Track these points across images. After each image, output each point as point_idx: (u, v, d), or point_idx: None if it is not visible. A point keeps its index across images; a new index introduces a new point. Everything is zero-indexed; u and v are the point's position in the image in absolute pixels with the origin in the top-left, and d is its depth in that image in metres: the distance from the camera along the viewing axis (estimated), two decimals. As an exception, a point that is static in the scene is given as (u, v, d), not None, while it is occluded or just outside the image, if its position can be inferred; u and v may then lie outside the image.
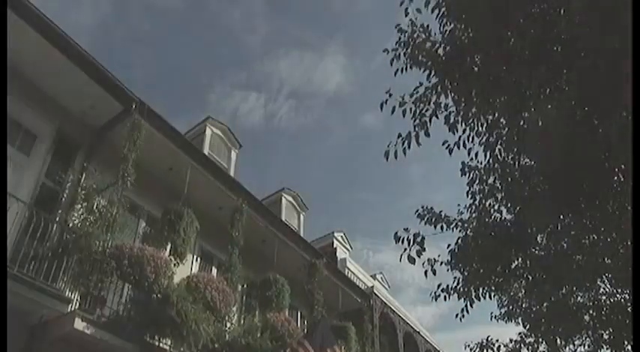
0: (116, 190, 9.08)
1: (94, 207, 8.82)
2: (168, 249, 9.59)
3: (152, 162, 10.77)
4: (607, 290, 8.03)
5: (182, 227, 9.58)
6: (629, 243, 6.35)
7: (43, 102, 9.52)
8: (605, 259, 7.03)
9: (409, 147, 5.79)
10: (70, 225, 8.69)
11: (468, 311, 7.45)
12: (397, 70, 6.16)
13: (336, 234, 21.78)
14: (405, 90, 6.08)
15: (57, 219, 8.91)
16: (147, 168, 10.36)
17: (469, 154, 6.33)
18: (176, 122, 11.21)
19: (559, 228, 6.66)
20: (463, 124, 6.09)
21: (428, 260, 6.94)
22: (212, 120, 15.54)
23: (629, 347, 8.39)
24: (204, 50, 63.92)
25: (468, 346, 9.63)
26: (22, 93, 8.94)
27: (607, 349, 8.87)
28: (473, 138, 6.19)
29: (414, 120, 5.88)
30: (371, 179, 78.28)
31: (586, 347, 9.17)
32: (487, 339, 9.56)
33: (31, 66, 9.17)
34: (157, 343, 8.81)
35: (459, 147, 6.20)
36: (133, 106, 10.00)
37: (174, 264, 9.31)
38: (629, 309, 7.60)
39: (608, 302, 8.01)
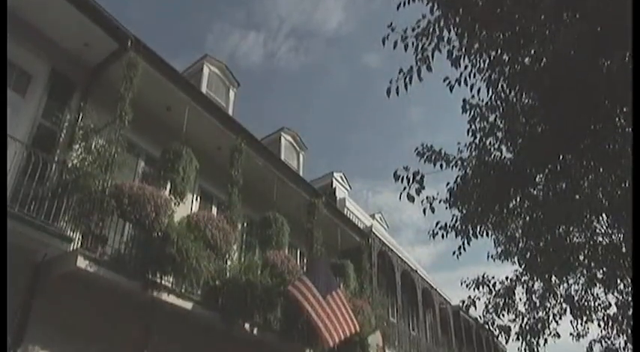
0: (114, 129, 9.01)
1: (93, 147, 8.77)
2: (168, 189, 9.62)
3: (149, 101, 10.64)
4: (603, 230, 8.12)
5: (181, 166, 9.56)
6: (627, 184, 6.37)
7: (36, 41, 9.31)
8: (603, 200, 7.07)
9: (410, 82, 5.69)
10: (69, 165, 8.67)
11: (465, 249, 7.56)
12: (400, 3, 5.98)
13: (335, 174, 21.83)
14: (408, 27, 5.94)
15: (56, 159, 8.88)
16: (144, 107, 10.24)
17: (471, 90, 6.24)
18: (174, 63, 11.02)
19: (558, 168, 6.66)
20: (466, 60, 5.97)
21: (427, 198, 6.99)
22: (209, 58, 15.25)
23: (622, 286, 8.58)
24: (200, -13, 62.23)
25: (464, 282, 9.86)
26: (14, 31, 8.72)
27: (600, 288, 9.07)
28: (475, 74, 6.08)
29: (416, 55, 5.75)
30: (371, 120, 78.05)
31: (580, 285, 9.38)
32: (483, 276, 9.77)
33: (23, 2, 8.91)
34: (158, 280, 8.97)
35: (459, 84, 6.09)
36: (129, 44, 9.79)
37: (175, 203, 9.35)
38: (623, 249, 7.71)
39: (603, 242, 8.12)
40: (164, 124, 11.24)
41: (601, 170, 6.59)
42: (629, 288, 8.42)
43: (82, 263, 7.92)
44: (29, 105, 9.14)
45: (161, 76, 10.61)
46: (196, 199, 12.23)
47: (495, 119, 6.82)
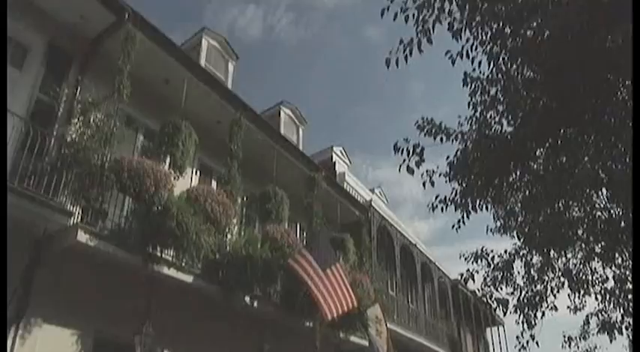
0: (112, 103, 8.95)
1: (91, 121, 8.72)
2: (167, 163, 9.60)
3: (148, 74, 10.57)
4: (602, 204, 8.13)
5: (180, 140, 9.52)
6: (627, 159, 6.36)
7: (31, 13, 9.18)
8: (603, 174, 7.07)
9: (411, 54, 5.62)
10: (68, 139, 8.63)
11: (464, 223, 7.56)
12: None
13: (335, 149, 21.78)
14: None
15: (54, 133, 8.84)
16: (143, 80, 10.19)
17: (472, 63, 6.18)
18: (172, 36, 10.88)
19: (559, 142, 6.64)
20: (467, 32, 5.91)
21: (426, 171, 6.97)
22: (208, 31, 15.07)
23: (620, 260, 8.63)
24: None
25: (463, 255, 9.90)
26: (10, 4, 8.59)
27: (598, 262, 9.13)
28: (476, 47, 6.02)
29: (417, 27, 5.68)
30: (372, 95, 77.66)
31: (578, 258, 9.43)
32: (482, 249, 9.80)
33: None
34: (159, 254, 9.01)
35: (461, 57, 6.03)
36: (126, 16, 9.65)
37: (174, 177, 9.34)
38: (622, 224, 7.73)
39: (602, 216, 8.13)
40: (163, 98, 11.17)
41: (601, 144, 6.56)
42: (627, 262, 8.47)
43: (82, 237, 7.95)
44: (26, 79, 9.07)
45: (159, 49, 10.50)
46: (196, 173, 12.22)
47: (496, 92, 6.76)
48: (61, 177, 8.14)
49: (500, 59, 6.10)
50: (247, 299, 10.86)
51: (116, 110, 8.90)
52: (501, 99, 6.72)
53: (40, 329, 7.83)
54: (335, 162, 21.07)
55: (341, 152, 22.10)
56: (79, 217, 8.31)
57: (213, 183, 12.64)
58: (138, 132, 10.97)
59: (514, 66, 6.21)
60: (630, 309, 9.08)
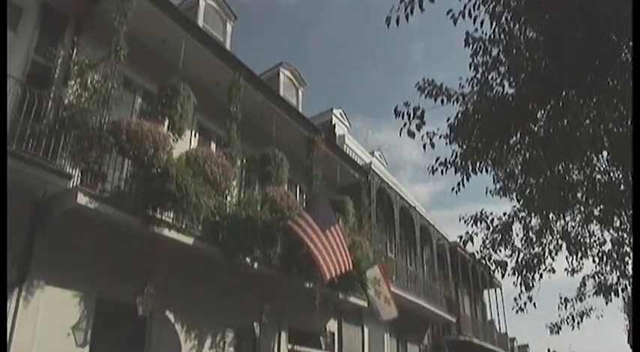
0: (109, 64, 8.83)
1: (88, 83, 8.61)
2: (166, 125, 9.53)
3: (145, 35, 10.40)
4: (602, 167, 8.11)
5: (179, 102, 9.42)
6: (628, 122, 6.32)
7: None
8: (604, 137, 7.03)
9: (412, 12, 5.51)
10: (66, 101, 8.54)
11: (464, 185, 7.57)
12: None
13: (334, 111, 21.65)
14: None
15: (51, 95, 8.74)
16: (140, 41, 10.03)
17: (474, 23, 6.07)
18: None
19: (560, 104, 6.58)
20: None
21: (427, 133, 6.93)
22: (205, -10, 14.81)
23: (618, 223, 8.66)
24: None
25: (463, 218, 9.93)
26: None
27: (596, 224, 9.16)
28: (479, 6, 5.92)
29: (418, -16, 5.55)
30: (372, 57, 76.81)
31: (576, 221, 9.47)
32: (481, 212, 9.83)
33: None
34: (159, 216, 9.03)
35: (463, 17, 5.93)
36: (121, -26, 9.43)
37: (173, 140, 9.29)
38: (621, 187, 7.73)
39: (602, 179, 8.12)
40: (160, 59, 11.00)
41: (603, 107, 6.51)
42: (625, 225, 8.51)
43: (82, 199, 7.95)
44: (21, 40, 8.90)
45: (156, 9, 10.29)
46: (195, 135, 12.15)
47: (498, 53, 6.67)
48: (60, 140, 8.07)
49: (503, 19, 6.01)
50: (247, 260, 10.95)
51: (113, 71, 8.78)
52: (503, 60, 6.64)
53: (42, 292, 7.91)
54: (335, 125, 20.96)
55: (340, 114, 21.97)
56: (79, 180, 8.29)
57: (213, 146, 12.60)
58: (136, 94, 10.85)
59: (517, 26, 6.11)
60: (626, 271, 9.17)
